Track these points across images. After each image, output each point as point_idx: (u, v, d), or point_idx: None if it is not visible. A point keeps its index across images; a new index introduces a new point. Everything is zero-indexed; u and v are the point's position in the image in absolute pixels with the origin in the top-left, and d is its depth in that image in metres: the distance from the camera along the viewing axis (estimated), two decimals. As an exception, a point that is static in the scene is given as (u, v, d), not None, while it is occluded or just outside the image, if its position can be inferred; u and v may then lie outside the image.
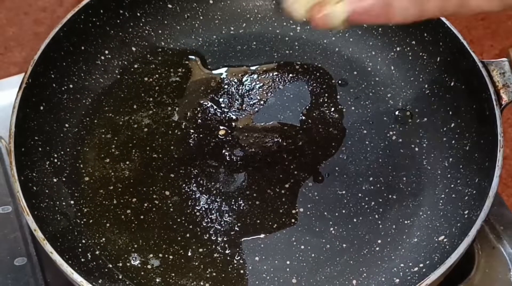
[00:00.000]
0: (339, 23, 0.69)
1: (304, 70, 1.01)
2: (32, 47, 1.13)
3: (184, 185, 0.90)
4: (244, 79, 1.00)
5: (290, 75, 1.01)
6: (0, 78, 1.07)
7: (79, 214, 0.87)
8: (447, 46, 0.93)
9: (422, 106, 0.96)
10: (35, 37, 1.20)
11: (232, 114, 0.97)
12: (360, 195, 0.90)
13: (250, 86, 1.00)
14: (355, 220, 0.88)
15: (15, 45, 1.20)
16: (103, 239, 0.86)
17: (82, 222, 0.87)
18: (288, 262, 0.85)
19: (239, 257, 0.85)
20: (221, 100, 0.98)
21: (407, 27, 0.97)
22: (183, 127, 0.95)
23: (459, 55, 0.90)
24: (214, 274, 0.84)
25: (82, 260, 0.82)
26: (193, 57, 1.02)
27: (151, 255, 0.85)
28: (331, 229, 0.87)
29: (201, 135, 0.95)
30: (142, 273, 0.84)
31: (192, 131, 0.95)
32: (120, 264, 0.84)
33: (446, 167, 0.91)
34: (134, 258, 0.84)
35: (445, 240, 0.83)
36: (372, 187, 0.90)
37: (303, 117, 0.97)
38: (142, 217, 0.88)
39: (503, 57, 0.88)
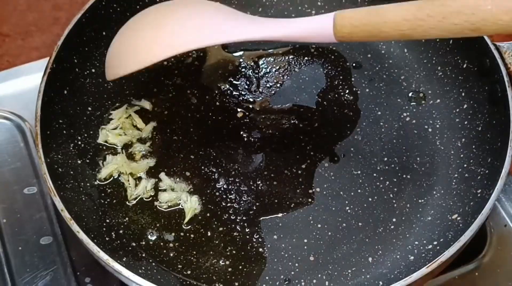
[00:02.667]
0: None
1: (319, 53, 1.03)
2: (53, 32, 1.14)
3: (203, 166, 0.92)
4: (260, 63, 1.02)
5: (306, 58, 1.03)
6: (21, 63, 1.09)
7: (102, 194, 0.90)
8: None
9: (435, 87, 0.98)
10: (54, 22, 1.21)
11: (249, 97, 0.98)
12: (375, 175, 0.92)
13: (266, 69, 1.01)
14: (370, 199, 0.90)
15: (35, 30, 1.21)
16: (126, 218, 0.88)
17: (106, 202, 0.89)
18: (305, 240, 0.87)
19: (258, 236, 0.87)
20: (238, 83, 1.00)
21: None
22: (202, 109, 0.97)
23: (471, 37, 0.91)
24: (234, 252, 0.86)
25: (107, 239, 0.84)
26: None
27: (173, 234, 0.87)
28: (347, 208, 0.89)
29: (219, 118, 0.96)
30: (164, 251, 0.86)
31: (210, 113, 0.97)
32: (143, 243, 0.86)
33: (459, 147, 0.92)
34: (156, 238, 0.87)
35: (458, 218, 0.85)
36: (386, 167, 0.92)
37: (319, 99, 0.98)
38: (163, 197, 0.91)
39: (514, 39, 0.90)
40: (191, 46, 0.81)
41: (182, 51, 0.80)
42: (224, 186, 0.91)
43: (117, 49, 0.85)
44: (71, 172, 0.88)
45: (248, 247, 0.86)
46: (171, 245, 0.86)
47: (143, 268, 0.83)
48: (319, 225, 0.88)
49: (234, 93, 0.99)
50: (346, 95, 0.98)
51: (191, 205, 0.89)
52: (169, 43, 0.81)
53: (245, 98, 0.98)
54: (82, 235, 0.77)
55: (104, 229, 0.86)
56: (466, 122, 0.93)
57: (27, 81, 1.03)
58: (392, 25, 0.71)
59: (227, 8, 0.86)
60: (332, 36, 0.75)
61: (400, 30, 0.71)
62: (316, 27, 0.77)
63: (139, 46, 0.83)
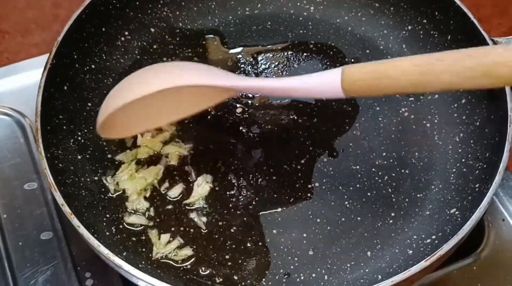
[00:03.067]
0: None
1: (318, 49, 1.03)
2: (52, 29, 1.14)
3: (203, 161, 0.93)
4: (259, 58, 1.02)
5: (304, 54, 1.03)
6: (21, 60, 1.09)
7: (103, 189, 0.90)
8: (458, 25, 0.94)
9: (434, 83, 0.98)
10: (54, 19, 1.21)
11: (248, 93, 0.99)
12: (373, 169, 0.92)
13: (265, 65, 1.02)
14: (369, 194, 0.90)
15: (35, 27, 1.21)
16: (126, 213, 0.89)
17: (106, 197, 0.89)
18: (304, 235, 0.87)
19: (257, 230, 0.87)
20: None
21: (418, 6, 0.99)
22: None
23: (469, 33, 0.92)
24: (233, 246, 0.86)
25: (107, 233, 0.85)
26: (211, 36, 1.04)
27: (173, 229, 0.88)
28: (346, 202, 0.90)
29: (218, 113, 0.97)
30: (166, 247, 0.86)
31: (209, 109, 0.97)
32: (143, 238, 0.87)
33: (457, 142, 0.93)
34: (156, 233, 0.87)
35: (456, 212, 0.86)
36: (385, 162, 0.93)
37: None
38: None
39: (511, 35, 0.90)
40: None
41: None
42: (224, 182, 0.91)
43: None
44: (71, 167, 0.88)
45: (248, 242, 0.87)
46: (171, 239, 0.87)
47: (143, 262, 0.84)
48: (318, 220, 0.88)
49: (233, 89, 0.99)
50: (345, 90, 0.99)
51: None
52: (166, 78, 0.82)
53: (244, 93, 0.98)
54: (82, 230, 0.78)
55: (104, 224, 0.86)
56: (464, 117, 0.94)
57: (27, 77, 1.03)
58: (401, 71, 0.70)
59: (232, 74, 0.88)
60: (340, 92, 0.74)
61: (409, 76, 0.70)
62: (324, 84, 0.76)
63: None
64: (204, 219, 0.88)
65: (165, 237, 0.87)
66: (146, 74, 0.83)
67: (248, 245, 0.87)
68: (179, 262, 0.85)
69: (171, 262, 0.85)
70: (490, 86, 0.68)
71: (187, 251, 0.86)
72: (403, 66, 0.70)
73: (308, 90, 0.78)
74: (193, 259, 0.85)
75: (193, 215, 0.89)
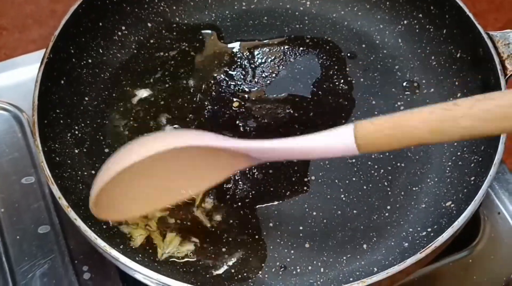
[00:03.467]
0: None
1: (314, 44, 1.04)
2: (49, 25, 1.14)
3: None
4: (256, 53, 1.03)
5: (301, 48, 1.03)
6: (18, 55, 1.09)
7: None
8: (453, 19, 0.95)
9: (429, 77, 0.99)
10: (52, 14, 1.21)
11: (245, 87, 0.99)
12: (369, 163, 0.92)
13: (262, 59, 1.02)
14: (364, 187, 0.91)
15: (32, 23, 1.21)
16: (123, 207, 0.89)
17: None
18: (301, 228, 0.88)
19: (254, 223, 0.88)
20: (234, 73, 1.00)
21: (414, 0, 1.00)
22: (198, 99, 0.98)
23: (464, 27, 0.92)
24: (230, 239, 0.87)
25: (104, 226, 0.85)
26: (208, 31, 1.05)
27: (171, 221, 0.88)
28: (342, 196, 0.90)
29: (215, 107, 0.97)
30: (166, 244, 0.87)
31: (206, 103, 0.97)
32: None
33: (453, 136, 0.93)
34: (153, 225, 0.88)
35: (452, 205, 0.86)
36: (381, 156, 0.93)
37: (314, 89, 0.99)
38: (160, 186, 0.91)
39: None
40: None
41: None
42: (221, 175, 0.92)
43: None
44: (69, 161, 0.89)
45: (245, 235, 0.87)
46: (168, 232, 0.87)
47: (140, 255, 0.84)
48: (314, 213, 0.89)
49: (230, 83, 0.99)
50: (341, 84, 0.99)
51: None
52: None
53: (241, 88, 0.99)
54: (79, 223, 0.78)
55: (102, 217, 0.87)
56: (459, 111, 0.94)
57: (24, 72, 1.03)
58: (417, 119, 0.66)
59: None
60: (355, 149, 0.69)
61: (427, 122, 0.66)
62: (336, 143, 0.70)
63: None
64: (200, 212, 0.88)
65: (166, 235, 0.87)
66: (142, 141, 0.76)
67: (245, 238, 0.87)
68: (177, 255, 0.86)
69: (169, 255, 0.86)
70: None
71: (189, 246, 0.86)
72: (419, 115, 0.67)
73: (320, 149, 0.72)
74: (191, 252, 0.86)
75: (191, 209, 0.89)
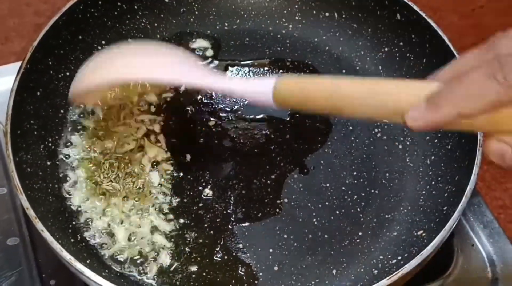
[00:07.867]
0: None
1: (294, 67, 1.04)
2: (32, 38, 1.13)
3: (174, 172, 0.93)
4: (235, 73, 1.03)
5: (281, 71, 1.03)
6: None
7: (70, 197, 0.90)
8: (434, 48, 0.95)
9: (408, 106, 0.98)
10: (35, 28, 1.21)
11: (222, 106, 0.99)
12: (343, 188, 0.92)
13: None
14: (337, 212, 0.90)
15: (15, 36, 1.21)
16: (93, 223, 0.88)
17: (73, 205, 0.89)
18: (271, 250, 0.87)
19: (223, 244, 0.87)
20: (212, 92, 1.00)
21: (396, 29, 1.00)
22: (174, 118, 0.98)
23: (445, 57, 0.92)
24: (199, 259, 0.86)
25: (72, 240, 0.84)
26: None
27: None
28: (314, 220, 0.89)
29: (191, 125, 0.97)
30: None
31: (183, 121, 0.97)
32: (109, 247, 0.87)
33: (428, 165, 0.93)
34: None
35: (423, 234, 0.86)
36: (355, 181, 0.93)
37: (291, 112, 0.99)
38: (131, 202, 0.91)
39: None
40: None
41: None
42: (193, 193, 0.91)
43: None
44: (40, 173, 0.88)
45: (214, 255, 0.86)
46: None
47: (106, 271, 0.83)
48: (285, 236, 0.88)
49: (207, 102, 0.99)
50: (319, 109, 0.99)
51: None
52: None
53: (218, 107, 0.99)
54: (46, 234, 0.77)
55: (70, 230, 0.86)
56: (436, 140, 0.94)
57: (1, 83, 1.03)
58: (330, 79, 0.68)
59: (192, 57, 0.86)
60: (271, 101, 0.71)
61: (325, 92, 0.67)
62: (259, 90, 0.73)
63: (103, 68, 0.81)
64: (170, 230, 0.88)
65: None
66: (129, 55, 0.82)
67: (214, 258, 0.86)
68: (147, 272, 0.85)
69: (138, 272, 0.85)
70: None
71: (153, 266, 0.86)
72: (323, 82, 0.68)
73: (248, 94, 0.76)
74: (159, 270, 0.85)
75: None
